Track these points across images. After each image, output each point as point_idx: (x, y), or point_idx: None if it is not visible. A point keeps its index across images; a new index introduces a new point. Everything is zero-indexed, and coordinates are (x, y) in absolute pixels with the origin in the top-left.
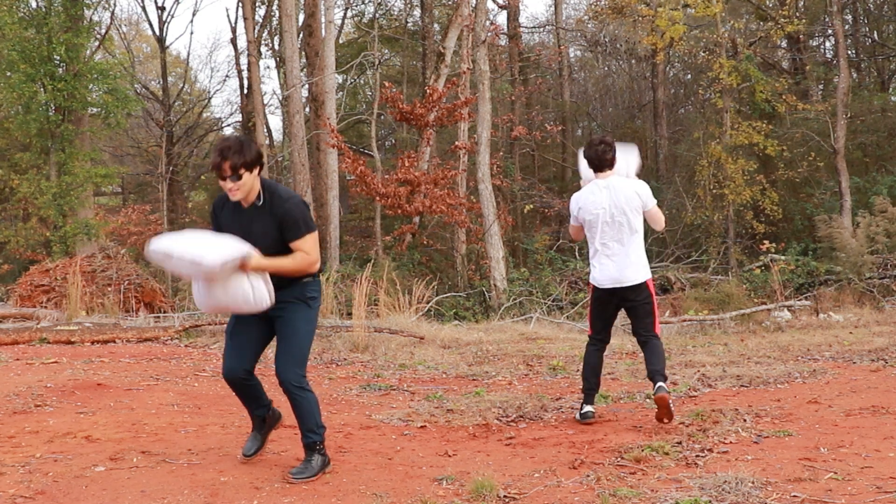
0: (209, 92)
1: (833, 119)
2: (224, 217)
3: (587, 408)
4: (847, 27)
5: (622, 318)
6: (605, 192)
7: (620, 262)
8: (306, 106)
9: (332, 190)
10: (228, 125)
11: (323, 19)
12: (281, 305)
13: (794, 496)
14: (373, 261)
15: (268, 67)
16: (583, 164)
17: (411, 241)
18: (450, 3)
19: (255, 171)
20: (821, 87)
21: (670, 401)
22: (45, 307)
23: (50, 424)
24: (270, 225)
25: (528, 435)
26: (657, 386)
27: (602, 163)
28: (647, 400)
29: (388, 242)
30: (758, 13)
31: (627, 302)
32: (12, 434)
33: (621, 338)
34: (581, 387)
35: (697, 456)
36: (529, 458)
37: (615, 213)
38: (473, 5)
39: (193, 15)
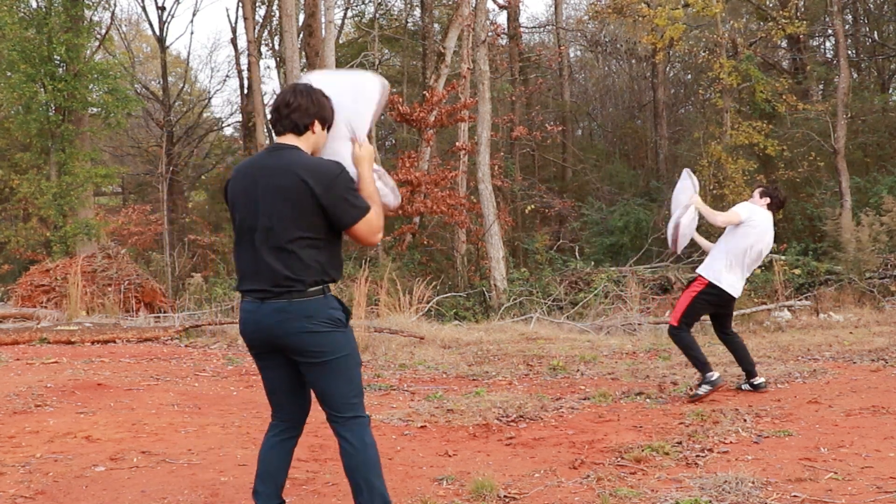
0: (209, 92)
1: (833, 119)
2: None
3: (716, 374)
4: (847, 27)
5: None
6: (771, 231)
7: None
8: None
9: None
10: (228, 125)
11: (323, 19)
12: None
13: (795, 496)
14: (372, 261)
15: (268, 67)
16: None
17: (411, 241)
18: (450, 3)
19: None
20: (821, 87)
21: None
22: (46, 307)
23: (50, 424)
24: None
25: (528, 435)
26: None
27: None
28: (647, 400)
29: (388, 242)
30: (758, 13)
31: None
32: (12, 434)
33: (621, 338)
34: (698, 363)
35: (697, 456)
36: (529, 458)
37: (764, 250)
38: (473, 5)
39: (193, 15)
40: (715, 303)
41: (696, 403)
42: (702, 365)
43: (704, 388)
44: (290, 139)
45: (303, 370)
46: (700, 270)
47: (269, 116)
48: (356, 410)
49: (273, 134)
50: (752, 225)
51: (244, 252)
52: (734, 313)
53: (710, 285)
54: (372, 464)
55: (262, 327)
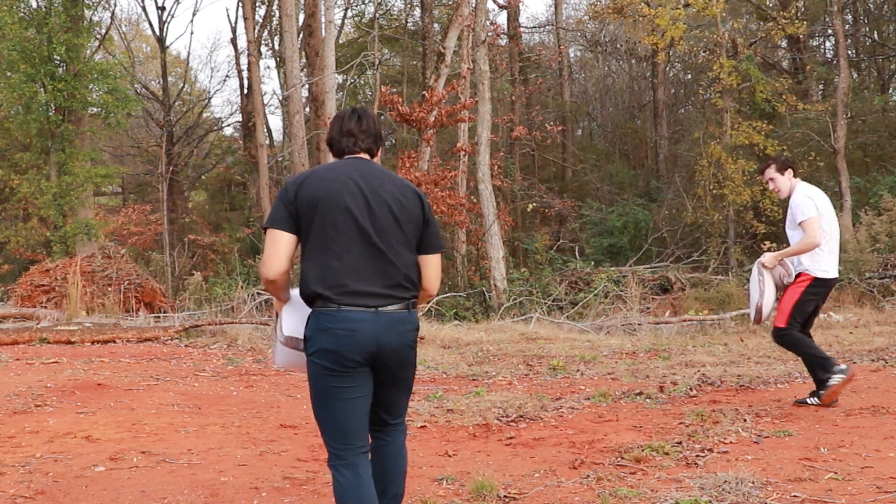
0: (209, 92)
1: (833, 119)
2: None
3: (842, 365)
4: (847, 27)
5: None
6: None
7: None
8: (306, 106)
9: None
10: (228, 125)
11: (323, 19)
12: None
13: (795, 496)
14: None
15: (268, 67)
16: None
17: None
18: (450, 3)
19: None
20: (821, 87)
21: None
22: (45, 307)
23: (50, 424)
24: None
25: (528, 435)
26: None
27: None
28: (647, 400)
29: None
30: (758, 13)
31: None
32: (12, 434)
33: (621, 338)
34: (820, 359)
35: (697, 456)
36: (529, 458)
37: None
38: (473, 5)
39: (193, 15)
40: (823, 295)
41: (827, 402)
42: (824, 360)
43: (838, 378)
44: (363, 157)
45: (385, 384)
46: (801, 269)
47: (336, 132)
48: (404, 416)
49: (337, 150)
50: (819, 203)
51: (349, 250)
52: (734, 312)
53: (816, 280)
54: (404, 470)
55: (378, 340)
